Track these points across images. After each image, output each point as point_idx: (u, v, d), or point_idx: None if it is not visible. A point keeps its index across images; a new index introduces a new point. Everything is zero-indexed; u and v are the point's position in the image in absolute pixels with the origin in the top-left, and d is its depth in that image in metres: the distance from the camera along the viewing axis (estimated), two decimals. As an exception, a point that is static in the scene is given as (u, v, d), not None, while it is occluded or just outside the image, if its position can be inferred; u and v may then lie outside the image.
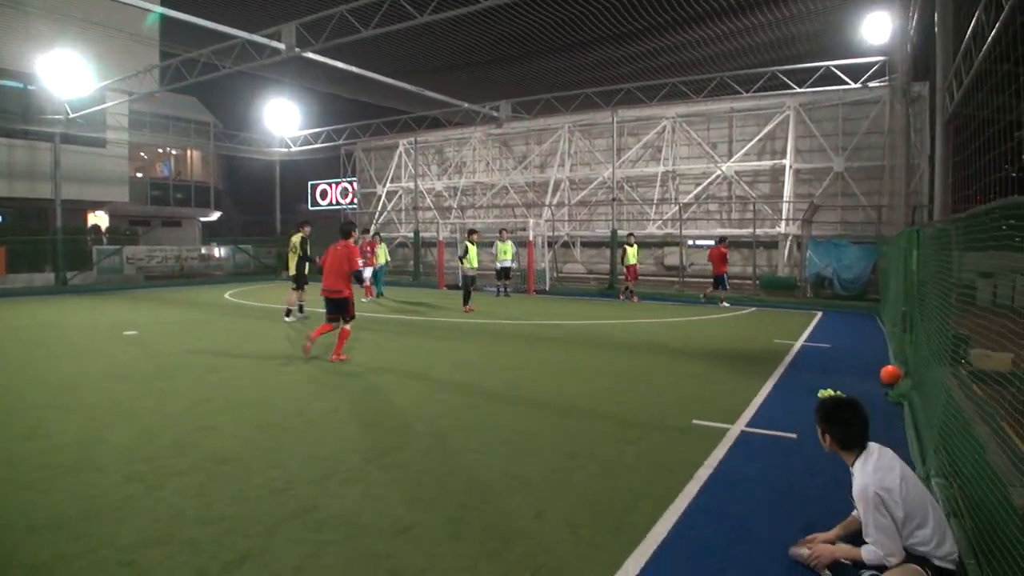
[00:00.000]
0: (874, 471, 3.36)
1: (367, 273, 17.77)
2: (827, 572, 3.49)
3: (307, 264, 13.94)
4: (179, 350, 10.34)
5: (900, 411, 6.74)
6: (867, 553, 3.36)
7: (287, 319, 13.95)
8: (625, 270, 19.35)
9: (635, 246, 19.60)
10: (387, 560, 3.56)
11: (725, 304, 17.54)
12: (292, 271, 14.02)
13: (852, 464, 3.52)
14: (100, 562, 3.53)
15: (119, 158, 27.71)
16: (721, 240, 18.01)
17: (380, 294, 19.46)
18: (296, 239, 13.98)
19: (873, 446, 3.51)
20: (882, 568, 3.34)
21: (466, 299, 16.32)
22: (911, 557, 3.24)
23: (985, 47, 6.79)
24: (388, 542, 3.77)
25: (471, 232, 17.09)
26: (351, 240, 9.91)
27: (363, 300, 17.38)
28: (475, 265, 16.60)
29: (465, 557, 3.60)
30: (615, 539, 3.84)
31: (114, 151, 27.30)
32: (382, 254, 19.79)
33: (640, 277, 23.34)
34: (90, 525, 3.97)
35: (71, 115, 22.98)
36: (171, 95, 29.51)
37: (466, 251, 16.42)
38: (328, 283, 9.59)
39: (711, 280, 18.19)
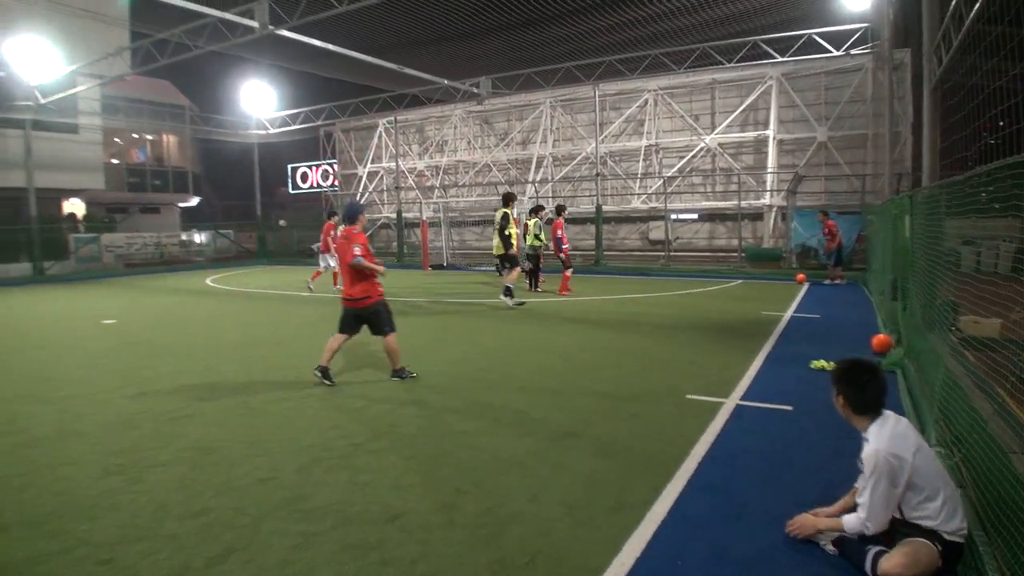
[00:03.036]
0: (890, 437, 3.22)
1: (332, 262, 15.58)
2: (831, 547, 3.40)
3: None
4: (159, 337, 10.12)
5: (894, 379, 6.67)
6: (848, 522, 3.27)
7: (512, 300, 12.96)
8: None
9: (535, 220, 15.48)
10: (377, 550, 3.42)
11: (837, 281, 16.16)
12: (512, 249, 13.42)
13: (866, 430, 3.38)
14: (77, 561, 3.37)
15: (93, 144, 27.14)
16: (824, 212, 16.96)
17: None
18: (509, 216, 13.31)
19: (889, 414, 3.37)
20: (868, 538, 3.26)
21: (533, 279, 15.31)
22: (920, 531, 3.15)
23: (976, 8, 6.65)
24: (378, 531, 3.63)
25: (540, 209, 15.36)
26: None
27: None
28: (534, 243, 15.00)
29: (459, 544, 3.47)
30: (613, 520, 3.72)
31: (87, 137, 26.72)
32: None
33: (626, 252, 23.24)
34: (66, 522, 3.80)
35: (42, 101, 22.37)
36: (144, 78, 28.86)
37: (540, 228, 15.07)
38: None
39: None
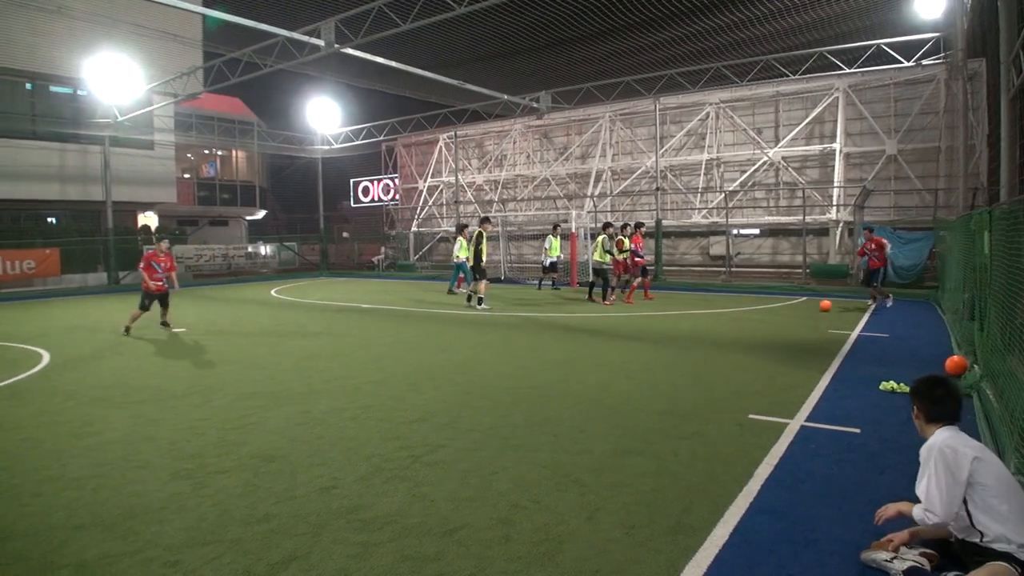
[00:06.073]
0: (949, 436, 3.34)
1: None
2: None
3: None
4: (225, 346, 10.42)
5: (969, 403, 6.38)
6: (915, 511, 3.35)
7: (480, 306, 15.12)
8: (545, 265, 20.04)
9: (559, 238, 20.07)
10: (435, 563, 3.43)
11: (876, 301, 14.62)
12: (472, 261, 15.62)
13: (932, 435, 3.48)
14: (146, 562, 3.47)
15: (167, 159, 28.23)
16: (871, 227, 15.54)
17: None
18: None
19: (958, 428, 3.46)
20: (942, 566, 3.26)
21: (603, 291, 15.79)
22: (996, 555, 3.05)
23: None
24: (436, 543, 3.64)
25: (608, 225, 16.26)
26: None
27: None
28: (605, 259, 15.67)
29: (516, 560, 3.45)
30: (673, 542, 3.64)
31: (162, 153, 27.80)
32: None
33: (686, 267, 22.93)
34: (136, 524, 3.93)
35: (119, 118, 23.43)
36: (215, 96, 29.95)
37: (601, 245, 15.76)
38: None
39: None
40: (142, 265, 11.97)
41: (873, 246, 14.38)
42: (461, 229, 18.64)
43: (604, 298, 15.65)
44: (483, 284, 15.41)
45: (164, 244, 12.49)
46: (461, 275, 18.87)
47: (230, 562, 3.46)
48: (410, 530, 3.80)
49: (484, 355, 9.39)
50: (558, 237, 20.09)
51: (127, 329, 11.76)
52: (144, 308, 11.85)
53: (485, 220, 15.89)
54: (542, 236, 26.52)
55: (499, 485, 4.48)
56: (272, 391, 7.31)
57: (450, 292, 18.73)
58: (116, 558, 3.52)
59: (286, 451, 5.23)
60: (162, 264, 12.14)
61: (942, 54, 17.25)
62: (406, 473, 4.72)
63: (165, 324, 12.37)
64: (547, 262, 20.05)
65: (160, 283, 12.05)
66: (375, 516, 4.00)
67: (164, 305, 12.34)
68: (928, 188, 20.14)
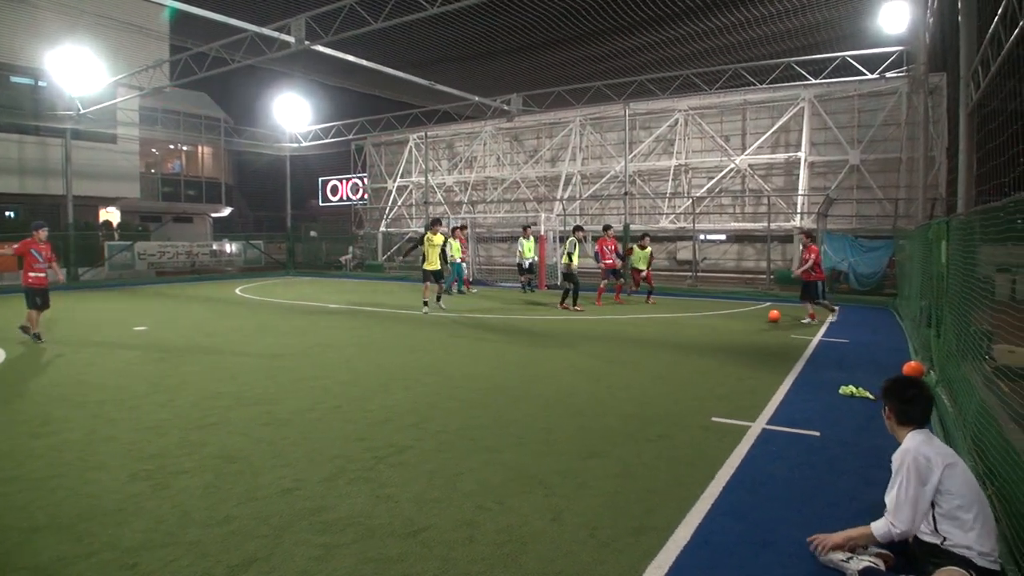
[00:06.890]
0: (923, 442, 3.39)
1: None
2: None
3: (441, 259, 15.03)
4: (188, 345, 10.26)
5: (925, 408, 6.54)
6: (876, 526, 3.37)
7: (424, 308, 14.65)
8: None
9: (531, 239, 19.87)
10: (399, 564, 3.41)
11: (806, 320, 13.14)
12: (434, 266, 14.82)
13: (903, 438, 3.55)
14: (102, 565, 3.40)
15: (130, 154, 27.73)
16: (809, 234, 13.57)
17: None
18: (438, 239, 14.79)
19: (930, 432, 3.55)
20: (898, 568, 3.32)
21: (573, 297, 15.39)
22: (954, 559, 3.12)
23: (1015, 33, 6.56)
24: (399, 545, 3.63)
25: (577, 229, 16.17)
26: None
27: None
28: (567, 261, 15.59)
29: (480, 561, 3.45)
30: (636, 542, 3.68)
31: (125, 147, 27.31)
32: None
33: (652, 272, 23.14)
34: (93, 526, 3.85)
35: (82, 111, 22.96)
36: (181, 90, 29.47)
37: (575, 247, 15.51)
38: None
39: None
40: (17, 247, 10.49)
41: (812, 256, 12.82)
42: (453, 231, 19.09)
43: (575, 302, 15.43)
44: (425, 286, 14.73)
45: (43, 232, 10.65)
46: (464, 276, 19.87)
47: (188, 564, 3.40)
48: (373, 531, 3.79)
49: (453, 357, 9.38)
50: (530, 239, 20.08)
51: (35, 335, 10.37)
52: (36, 306, 10.44)
53: (435, 222, 15.00)
54: (511, 239, 26.62)
55: (464, 486, 4.48)
56: (237, 391, 7.21)
57: (459, 292, 19.15)
58: (72, 560, 3.45)
59: (249, 452, 5.17)
60: (43, 252, 10.57)
61: (905, 68, 17.67)
62: (370, 474, 4.69)
63: (35, 335, 10.45)
64: (525, 264, 20.02)
65: (42, 275, 10.52)
66: (338, 518, 3.97)
67: (43, 305, 10.64)
68: (889, 198, 20.61)
